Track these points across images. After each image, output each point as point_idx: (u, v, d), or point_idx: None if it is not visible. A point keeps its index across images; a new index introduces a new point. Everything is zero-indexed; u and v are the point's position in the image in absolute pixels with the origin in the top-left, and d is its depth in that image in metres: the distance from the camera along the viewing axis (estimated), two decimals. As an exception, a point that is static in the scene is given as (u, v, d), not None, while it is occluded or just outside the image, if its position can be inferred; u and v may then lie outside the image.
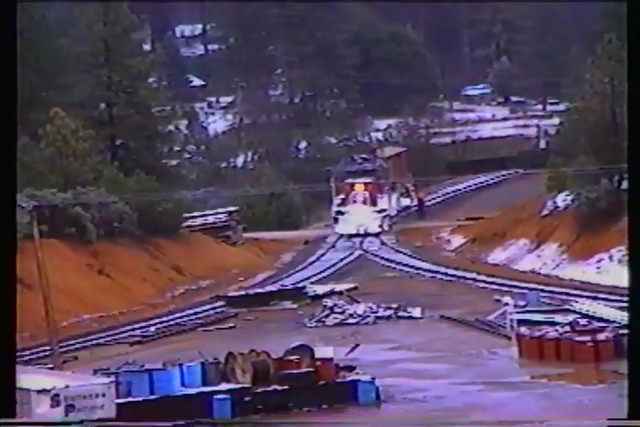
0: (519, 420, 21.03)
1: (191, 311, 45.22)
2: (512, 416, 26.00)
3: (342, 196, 69.11)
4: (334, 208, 68.25)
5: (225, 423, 21.00)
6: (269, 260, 60.96)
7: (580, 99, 52.97)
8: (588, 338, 31.17)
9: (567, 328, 32.58)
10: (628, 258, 14.72)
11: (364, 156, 74.70)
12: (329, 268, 55.00)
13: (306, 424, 20.84)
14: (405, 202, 74.00)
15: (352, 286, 47.29)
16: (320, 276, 52.46)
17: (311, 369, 28.17)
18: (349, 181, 69.34)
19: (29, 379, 22.48)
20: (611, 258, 46.55)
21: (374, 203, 68.32)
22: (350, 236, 65.56)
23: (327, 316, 41.43)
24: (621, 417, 17.60)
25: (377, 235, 65.61)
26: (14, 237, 16.73)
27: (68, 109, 55.01)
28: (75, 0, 65.89)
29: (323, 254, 60.60)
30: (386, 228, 67.29)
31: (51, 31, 62.53)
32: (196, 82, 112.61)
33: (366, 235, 65.53)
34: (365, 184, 68.89)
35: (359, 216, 66.71)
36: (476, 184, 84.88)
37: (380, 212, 67.80)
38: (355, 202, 68.19)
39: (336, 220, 67.74)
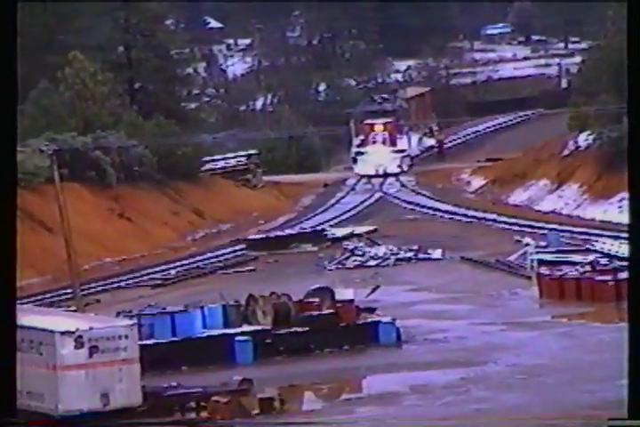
0: (519, 418, 21.10)
1: (212, 255, 45.40)
2: (533, 357, 26.09)
3: (362, 136, 68.94)
4: (354, 149, 68.20)
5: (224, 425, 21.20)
6: (289, 203, 61.00)
7: (602, 37, 52.31)
8: (608, 277, 31.15)
9: (588, 268, 32.57)
10: (629, 205, 14.53)
11: (384, 96, 74.30)
12: (349, 210, 55.00)
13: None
14: (429, 142, 73.78)
15: (372, 228, 47.29)
16: (340, 218, 52.48)
17: (332, 311, 28.27)
18: (369, 121, 69.07)
19: (53, 320, 22.66)
20: (632, 198, 46.26)
21: (394, 143, 68.13)
22: (369, 176, 65.60)
23: (347, 258, 41.52)
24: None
25: (396, 175, 65.62)
26: (14, 182, 16.70)
27: (86, 52, 54.76)
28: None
29: (342, 197, 60.59)
30: (405, 168, 67.26)
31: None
32: (214, 24, 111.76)
33: (385, 175, 65.58)
34: (385, 124, 68.60)
35: (378, 156, 66.66)
36: (496, 125, 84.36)
37: (399, 152, 67.68)
38: (374, 142, 68.03)
39: (355, 160, 67.82)
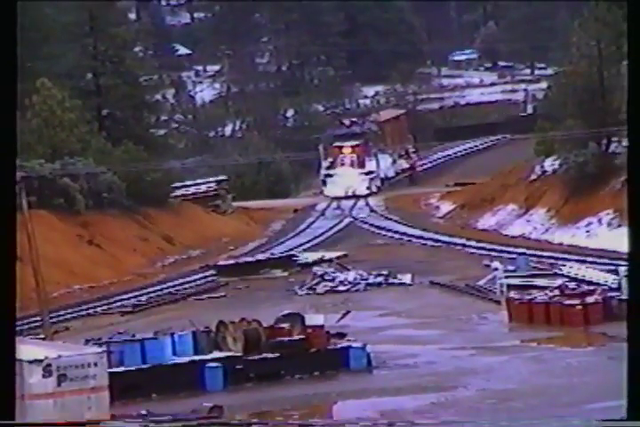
0: (515, 420, 21.20)
1: (182, 281, 45.29)
2: (503, 381, 26.20)
3: (330, 159, 69.59)
4: (323, 171, 68.95)
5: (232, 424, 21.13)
6: (259, 228, 61.01)
7: (567, 62, 52.89)
8: (577, 301, 31.35)
9: (556, 292, 32.74)
10: (628, 223, 14.72)
11: (352, 119, 74.98)
12: (319, 236, 55.09)
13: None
14: (405, 164, 74.45)
15: (342, 253, 47.38)
16: (310, 244, 52.54)
17: (302, 337, 28.28)
18: (337, 144, 69.78)
19: (21, 349, 22.50)
20: (599, 221, 46.69)
21: (362, 165, 68.81)
22: (338, 198, 66.17)
23: (317, 283, 41.55)
24: (611, 379, 17.68)
25: (365, 197, 66.21)
26: (14, 210, 16.58)
27: (55, 79, 54.70)
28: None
29: (312, 222, 60.71)
30: (374, 190, 67.95)
31: (35, 1, 61.99)
32: (183, 51, 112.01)
33: (354, 196, 66.19)
34: (353, 147, 69.39)
35: (347, 179, 67.52)
36: (464, 150, 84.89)
37: (367, 174, 68.41)
38: (343, 165, 68.79)
39: (324, 182, 68.67)
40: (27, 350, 22.42)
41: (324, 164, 69.38)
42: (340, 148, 69.57)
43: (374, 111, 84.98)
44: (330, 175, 68.42)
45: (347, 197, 66.42)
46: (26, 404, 21.28)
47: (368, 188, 67.61)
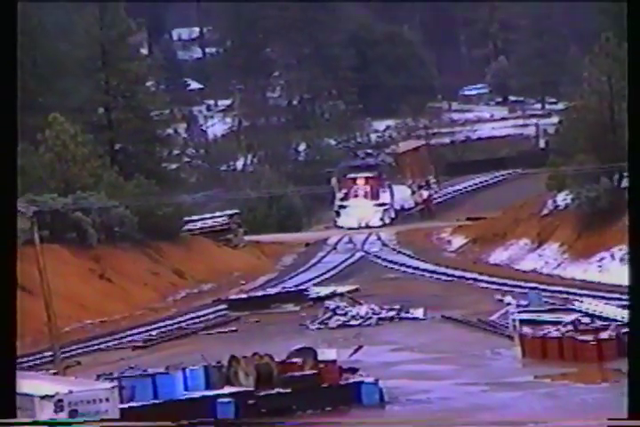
0: (522, 420, 21.05)
1: (193, 315, 45.19)
2: (516, 416, 26.00)
3: (344, 190, 69.96)
4: (337, 202, 69.35)
5: (228, 424, 21.06)
6: (270, 262, 60.95)
7: (578, 97, 53.00)
8: (590, 337, 31.14)
9: (570, 327, 32.54)
10: (629, 257, 14.65)
11: (367, 151, 75.44)
12: (330, 270, 55.01)
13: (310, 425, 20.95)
14: (425, 194, 74.71)
15: (354, 287, 47.26)
16: (321, 278, 52.45)
17: (314, 371, 28.14)
18: (351, 175, 70.24)
19: (32, 384, 22.47)
20: (612, 256, 46.52)
21: (376, 197, 69.13)
22: (351, 229, 66.43)
23: (329, 318, 41.40)
24: (623, 416, 17.55)
25: (378, 228, 66.49)
26: (14, 241, 16.63)
27: (67, 114, 54.99)
28: (71, 0, 65.82)
29: (324, 256, 60.67)
30: (387, 221, 68.14)
31: (48, 35, 62.50)
32: (194, 85, 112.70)
33: (368, 228, 66.43)
34: (366, 178, 69.90)
35: (360, 210, 67.95)
36: (475, 184, 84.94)
37: (381, 205, 68.67)
38: (356, 196, 69.25)
39: (338, 213, 69.10)
40: (38, 385, 22.37)
41: (338, 195, 69.77)
42: (354, 179, 70.01)
43: (386, 145, 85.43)
44: (343, 206, 68.83)
45: (359, 228, 66.63)
46: (37, 439, 21.16)
47: (381, 219, 67.94)
